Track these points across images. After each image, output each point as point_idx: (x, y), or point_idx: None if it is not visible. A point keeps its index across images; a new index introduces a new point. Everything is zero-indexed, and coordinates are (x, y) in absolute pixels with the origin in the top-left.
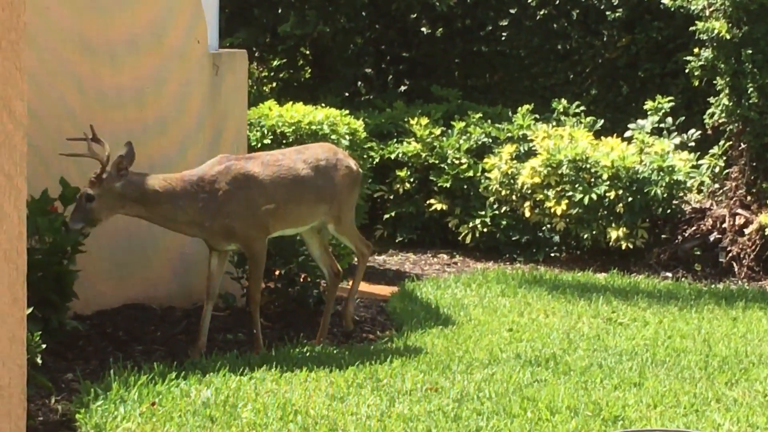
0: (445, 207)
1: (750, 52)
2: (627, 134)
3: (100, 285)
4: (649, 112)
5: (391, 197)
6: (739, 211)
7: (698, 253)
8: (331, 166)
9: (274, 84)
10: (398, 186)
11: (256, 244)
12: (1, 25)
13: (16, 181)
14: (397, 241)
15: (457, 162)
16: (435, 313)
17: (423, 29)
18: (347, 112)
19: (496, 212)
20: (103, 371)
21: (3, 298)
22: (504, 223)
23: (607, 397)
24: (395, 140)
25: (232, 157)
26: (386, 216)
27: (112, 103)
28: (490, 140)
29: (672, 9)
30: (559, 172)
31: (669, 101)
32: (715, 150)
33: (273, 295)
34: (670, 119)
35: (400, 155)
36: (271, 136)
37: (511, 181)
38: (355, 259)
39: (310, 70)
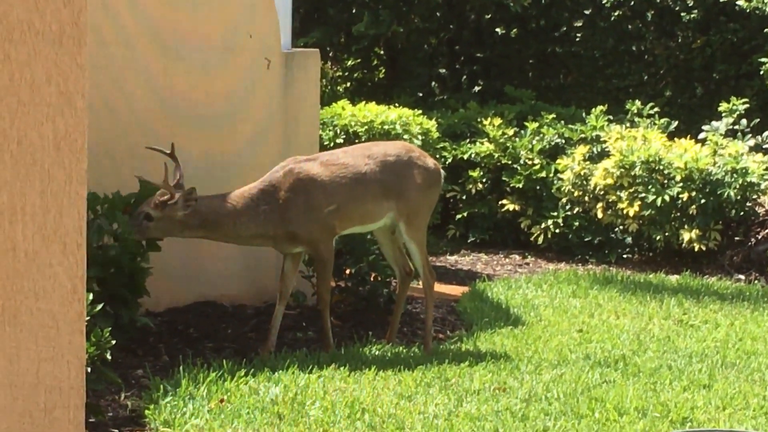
0: (517, 207)
1: None
2: (701, 136)
3: (172, 282)
4: (723, 114)
5: (464, 197)
6: None
7: None
8: (401, 163)
9: (349, 84)
10: (471, 186)
11: (322, 245)
12: (63, 20)
13: (75, 176)
14: (469, 241)
15: (529, 162)
16: (505, 313)
17: (497, 30)
18: (420, 112)
19: (569, 213)
20: (172, 368)
21: (62, 290)
22: (576, 224)
23: (676, 398)
24: (468, 140)
25: (292, 161)
26: (458, 216)
27: (182, 99)
28: (563, 141)
29: (747, 10)
30: (632, 173)
31: (743, 103)
32: None
33: (343, 293)
34: (744, 121)
35: (473, 155)
36: (344, 136)
37: (584, 182)
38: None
39: (384, 70)
